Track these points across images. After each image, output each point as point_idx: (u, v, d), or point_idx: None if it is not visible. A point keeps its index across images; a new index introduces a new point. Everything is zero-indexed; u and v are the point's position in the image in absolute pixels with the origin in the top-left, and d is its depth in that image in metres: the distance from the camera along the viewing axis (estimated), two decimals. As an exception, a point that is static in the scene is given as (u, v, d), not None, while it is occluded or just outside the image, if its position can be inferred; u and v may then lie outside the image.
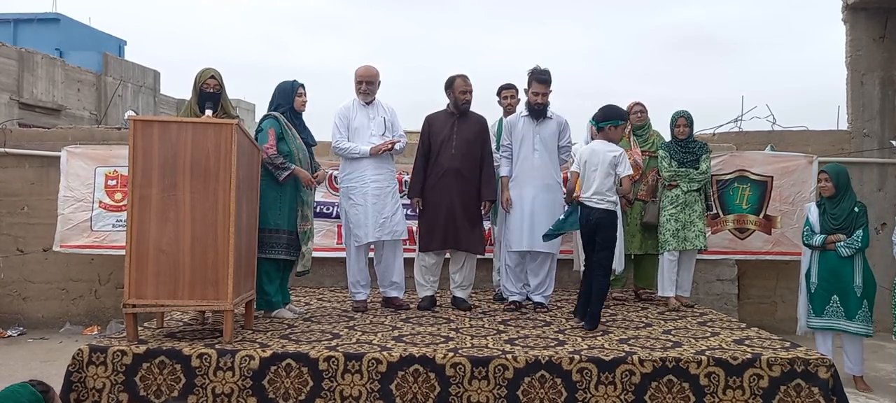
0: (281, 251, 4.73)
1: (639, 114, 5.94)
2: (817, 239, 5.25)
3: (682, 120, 5.70)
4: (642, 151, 5.85)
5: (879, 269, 5.84)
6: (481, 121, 5.40)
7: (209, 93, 4.51)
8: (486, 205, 5.31)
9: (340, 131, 5.14)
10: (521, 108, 5.43)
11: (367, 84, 5.17)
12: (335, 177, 6.38)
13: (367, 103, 5.21)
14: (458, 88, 5.28)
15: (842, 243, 5.12)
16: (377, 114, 5.22)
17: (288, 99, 4.87)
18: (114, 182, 6.73)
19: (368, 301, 5.27)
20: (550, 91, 5.19)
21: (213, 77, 4.55)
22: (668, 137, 5.90)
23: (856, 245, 5.09)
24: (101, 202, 6.72)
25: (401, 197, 5.53)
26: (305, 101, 4.97)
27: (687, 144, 5.70)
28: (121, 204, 6.63)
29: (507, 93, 5.90)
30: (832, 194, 5.22)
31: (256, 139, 4.62)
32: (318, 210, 6.50)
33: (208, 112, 4.25)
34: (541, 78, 5.15)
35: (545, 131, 5.23)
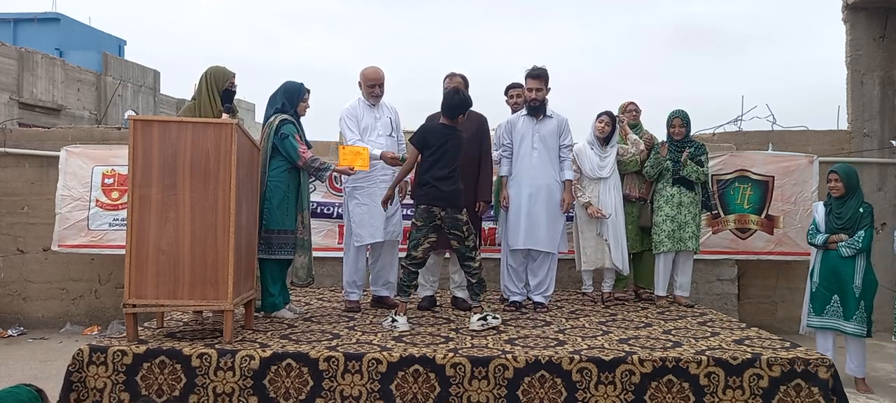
0: (288, 251, 4.75)
1: (632, 113, 6.00)
2: (820, 239, 5.25)
3: (677, 120, 5.72)
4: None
5: (879, 269, 5.83)
6: (480, 120, 5.38)
7: (233, 92, 4.57)
8: (480, 206, 5.29)
9: (352, 130, 5.13)
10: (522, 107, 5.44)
11: (379, 87, 5.17)
12: (335, 178, 6.39)
13: (374, 104, 5.22)
14: (447, 87, 5.28)
15: (843, 243, 5.12)
16: (383, 114, 5.22)
17: (294, 101, 4.87)
18: (111, 180, 6.73)
19: (360, 301, 5.27)
20: (547, 88, 5.21)
21: (234, 77, 4.60)
22: (661, 137, 5.91)
23: (856, 245, 5.08)
24: (97, 201, 6.70)
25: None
26: (308, 107, 4.98)
27: (682, 144, 5.70)
28: (117, 202, 6.63)
29: (513, 93, 5.89)
30: (842, 194, 5.21)
31: (283, 145, 4.64)
32: (318, 210, 6.52)
33: (226, 116, 4.29)
34: (533, 74, 5.19)
35: (544, 129, 5.23)
